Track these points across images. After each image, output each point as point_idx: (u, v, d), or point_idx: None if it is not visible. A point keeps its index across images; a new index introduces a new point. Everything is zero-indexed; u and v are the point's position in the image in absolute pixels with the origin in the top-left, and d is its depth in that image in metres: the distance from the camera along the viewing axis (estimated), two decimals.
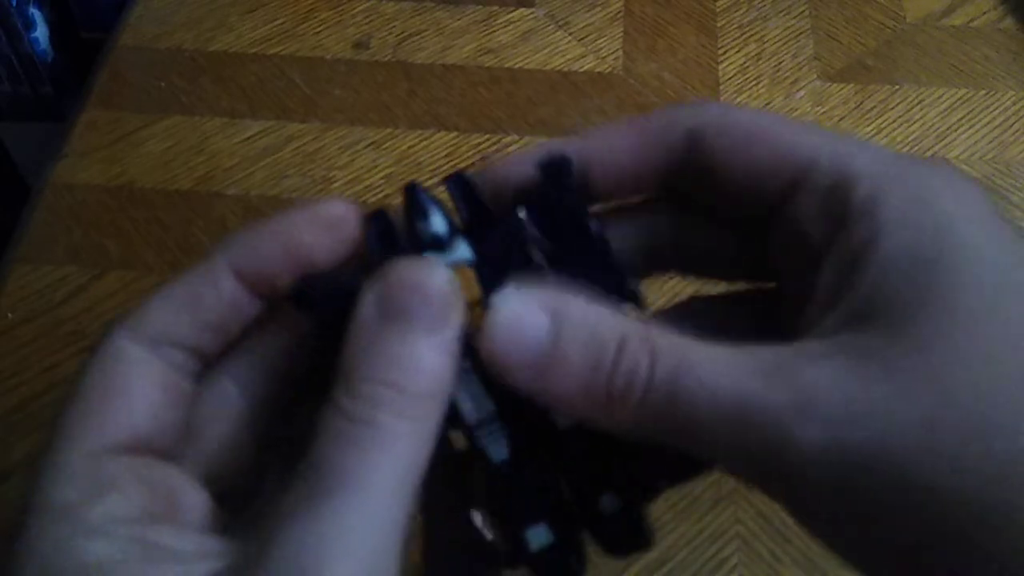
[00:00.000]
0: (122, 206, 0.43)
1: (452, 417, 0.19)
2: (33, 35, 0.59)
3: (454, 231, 0.20)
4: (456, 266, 0.19)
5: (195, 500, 0.18)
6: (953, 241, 0.16)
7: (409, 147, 0.45)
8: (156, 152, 0.45)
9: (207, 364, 0.20)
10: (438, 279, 0.18)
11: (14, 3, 0.57)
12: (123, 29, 0.50)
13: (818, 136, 0.19)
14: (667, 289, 0.35)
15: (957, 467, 0.15)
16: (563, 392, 0.18)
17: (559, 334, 0.17)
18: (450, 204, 0.20)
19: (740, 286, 0.23)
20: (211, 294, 0.19)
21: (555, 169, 0.20)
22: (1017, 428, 0.15)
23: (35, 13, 0.59)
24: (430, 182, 0.44)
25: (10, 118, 0.64)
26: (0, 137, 0.65)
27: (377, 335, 0.17)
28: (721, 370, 0.17)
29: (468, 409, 0.19)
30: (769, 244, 0.20)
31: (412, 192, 0.20)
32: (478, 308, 0.19)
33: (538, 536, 0.19)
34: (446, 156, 0.45)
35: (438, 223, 0.19)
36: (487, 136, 0.46)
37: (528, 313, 0.18)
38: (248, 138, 0.46)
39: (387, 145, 0.45)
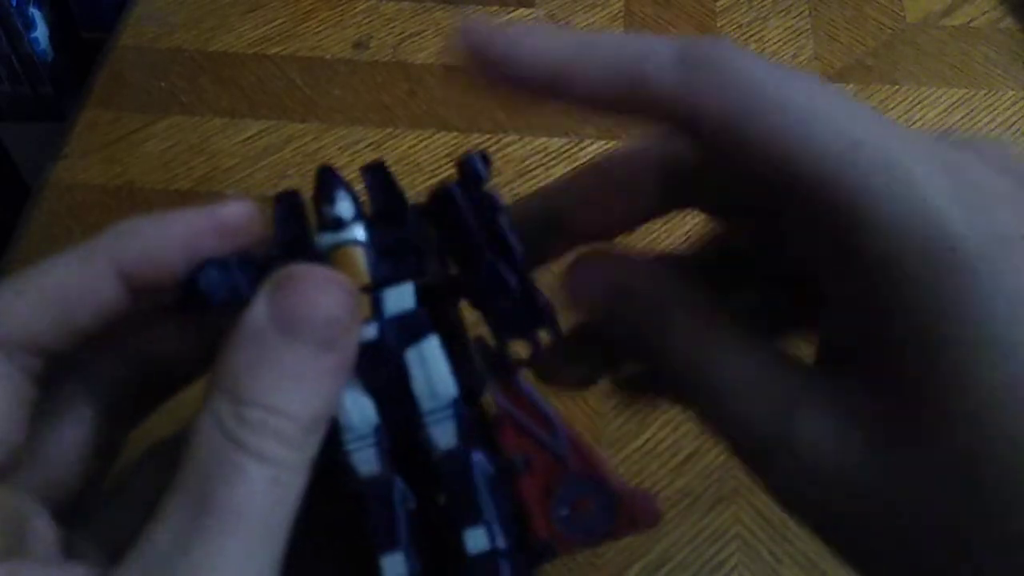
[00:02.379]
0: (122, 206, 0.43)
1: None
2: (33, 35, 0.59)
3: (358, 216, 0.18)
4: (344, 247, 0.18)
5: (42, 527, 0.17)
6: (995, 264, 0.14)
7: (409, 147, 0.45)
8: (156, 152, 0.45)
9: (55, 366, 0.18)
10: (337, 294, 0.17)
11: (14, 3, 0.57)
12: (123, 29, 0.50)
13: (860, 117, 0.16)
14: None
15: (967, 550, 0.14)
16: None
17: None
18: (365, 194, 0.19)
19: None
20: (85, 292, 0.17)
21: (469, 168, 0.19)
22: None
23: (35, 13, 0.59)
24: (429, 183, 0.44)
25: (10, 118, 0.64)
26: (0, 137, 0.65)
27: (269, 351, 0.16)
28: (733, 371, 0.17)
29: (350, 419, 0.18)
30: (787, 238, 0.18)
31: (323, 174, 0.19)
32: (365, 296, 0.18)
33: (394, 566, 0.17)
34: (446, 156, 0.45)
35: (344, 208, 0.18)
36: (487, 136, 0.46)
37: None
38: (248, 138, 0.46)
39: (387, 145, 0.45)
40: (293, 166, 0.45)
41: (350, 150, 0.45)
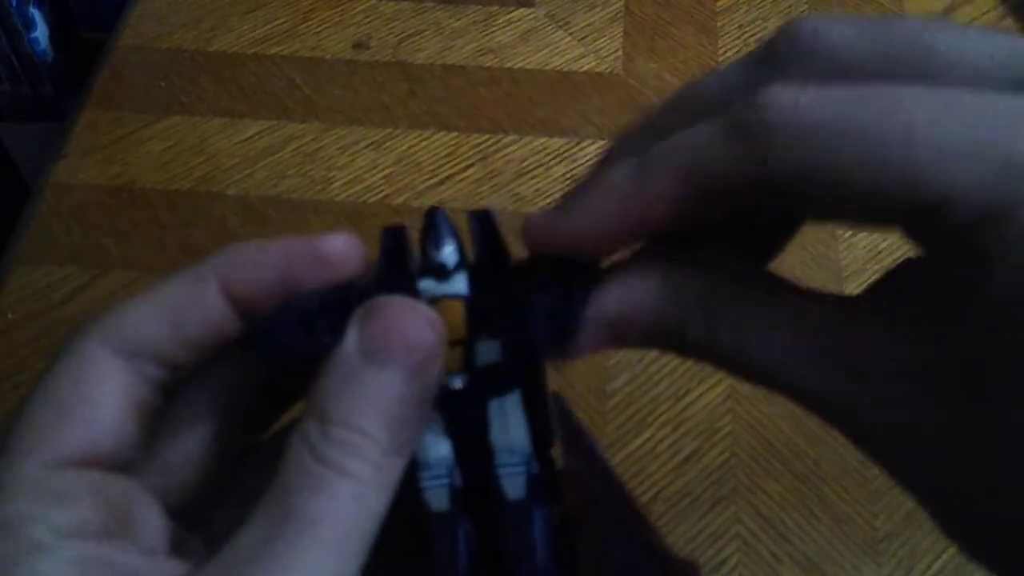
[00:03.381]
0: (122, 206, 0.43)
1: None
2: (33, 35, 0.59)
3: (461, 265, 0.19)
4: (447, 299, 0.19)
5: (151, 518, 0.18)
6: None
7: (409, 147, 0.45)
8: (156, 152, 0.45)
9: (177, 377, 0.19)
10: (425, 327, 0.17)
11: (14, 3, 0.57)
12: (123, 29, 0.50)
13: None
14: None
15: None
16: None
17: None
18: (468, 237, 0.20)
19: None
20: (196, 308, 0.18)
21: (482, 225, 0.19)
22: None
23: (35, 13, 0.59)
24: (429, 182, 0.44)
25: (10, 118, 0.64)
26: (0, 137, 0.65)
27: (357, 376, 0.17)
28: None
29: (428, 457, 0.19)
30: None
31: (432, 216, 0.19)
32: (458, 348, 0.19)
33: None
34: (446, 156, 0.45)
35: (449, 254, 0.19)
36: (487, 136, 0.46)
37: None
38: (248, 138, 0.46)
39: (387, 145, 0.46)
40: (293, 166, 0.45)
41: (350, 150, 0.45)
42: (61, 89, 0.62)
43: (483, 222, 0.20)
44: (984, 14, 0.52)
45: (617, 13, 0.51)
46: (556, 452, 0.20)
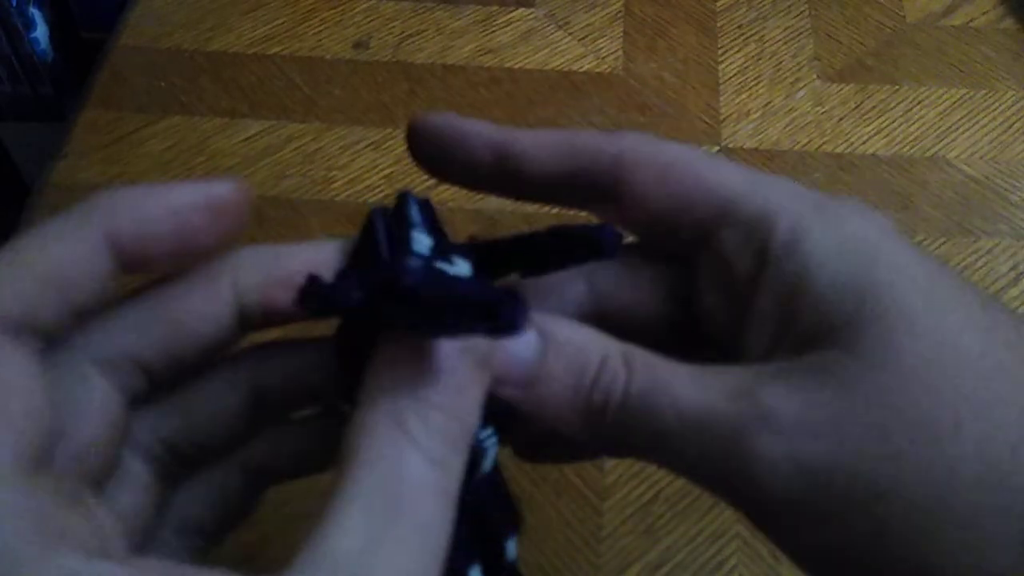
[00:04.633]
0: None
1: None
2: (33, 35, 0.59)
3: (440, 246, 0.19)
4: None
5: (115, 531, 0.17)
6: (879, 265, 0.18)
7: (408, 147, 0.45)
8: (156, 152, 0.45)
9: (46, 338, 0.16)
10: (529, 350, 0.18)
11: (14, 3, 0.57)
12: (123, 29, 0.50)
13: (736, 173, 0.20)
14: None
15: (909, 469, 0.16)
16: (549, 405, 0.19)
17: (546, 352, 0.19)
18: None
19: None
20: (79, 267, 0.16)
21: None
22: (958, 433, 0.16)
23: (35, 13, 0.59)
24: (429, 182, 0.44)
25: (10, 118, 0.64)
26: (0, 137, 0.65)
27: (457, 370, 0.17)
28: (689, 388, 0.18)
29: None
30: (696, 285, 0.21)
31: (402, 203, 0.20)
32: None
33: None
34: None
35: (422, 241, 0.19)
36: None
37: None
38: (248, 138, 0.46)
39: (387, 145, 0.45)
40: (293, 166, 0.45)
41: (350, 150, 0.45)
42: (61, 89, 0.62)
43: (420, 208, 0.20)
44: (984, 14, 0.52)
45: (617, 13, 0.51)
46: None
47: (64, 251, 0.16)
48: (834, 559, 0.17)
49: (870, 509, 0.16)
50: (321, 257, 0.19)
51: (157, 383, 0.18)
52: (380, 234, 0.19)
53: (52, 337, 0.17)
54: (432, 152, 0.21)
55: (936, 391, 0.17)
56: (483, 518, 0.19)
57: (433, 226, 0.20)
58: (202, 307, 0.18)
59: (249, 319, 0.19)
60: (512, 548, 0.20)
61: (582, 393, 0.18)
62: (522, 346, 0.19)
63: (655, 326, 0.22)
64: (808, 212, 0.19)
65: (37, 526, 0.14)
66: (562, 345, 0.19)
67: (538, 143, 0.21)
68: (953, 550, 0.16)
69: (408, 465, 0.16)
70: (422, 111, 0.21)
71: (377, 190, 0.44)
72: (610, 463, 0.36)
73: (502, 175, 0.21)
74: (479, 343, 0.17)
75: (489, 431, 0.19)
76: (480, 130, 0.21)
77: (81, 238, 0.16)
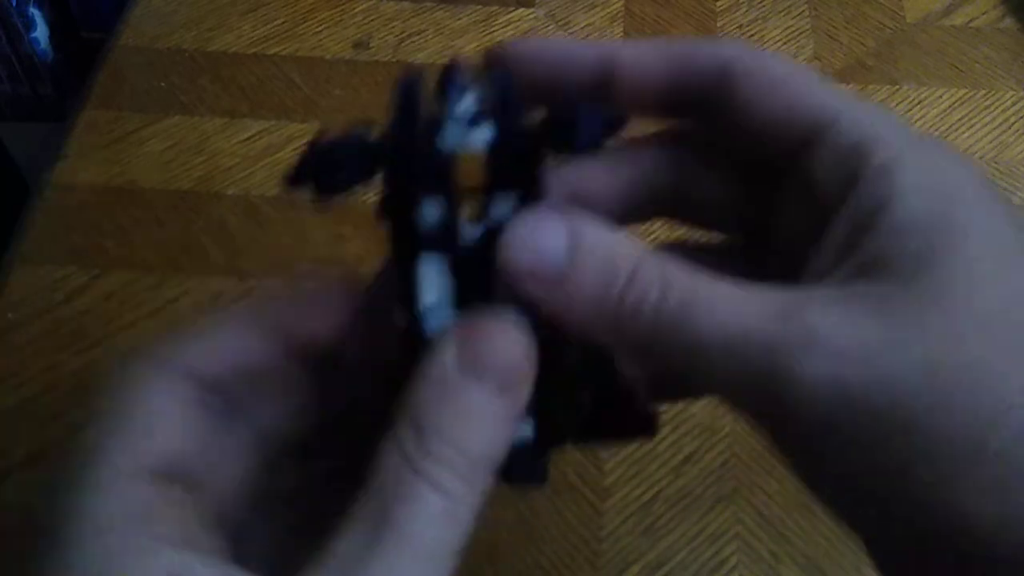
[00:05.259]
0: (122, 206, 0.43)
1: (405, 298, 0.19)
2: (33, 35, 0.59)
3: (480, 116, 0.19)
4: (470, 150, 0.19)
5: (208, 531, 0.18)
6: (962, 211, 0.18)
7: None
8: (156, 152, 0.45)
9: (230, 406, 0.20)
10: (519, 344, 0.18)
11: (14, 3, 0.57)
12: (123, 29, 0.50)
13: (842, 96, 0.20)
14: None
15: (952, 408, 0.16)
16: (575, 307, 0.18)
17: (575, 252, 0.18)
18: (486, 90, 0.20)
19: (726, 240, 0.23)
20: (247, 342, 0.20)
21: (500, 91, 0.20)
22: (1006, 383, 0.16)
23: (35, 13, 0.59)
24: None
25: (10, 118, 0.64)
26: (0, 137, 0.65)
27: (454, 391, 0.18)
28: (730, 305, 0.17)
29: (428, 294, 0.19)
30: (777, 197, 0.21)
31: (449, 70, 0.19)
32: (479, 195, 0.19)
33: (523, 430, 0.19)
34: None
35: (468, 106, 0.19)
36: None
37: (548, 229, 0.18)
38: (248, 138, 0.46)
39: None
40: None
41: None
42: (61, 89, 0.62)
43: (502, 81, 0.20)
44: (984, 14, 0.52)
45: (617, 13, 0.51)
46: None
47: (234, 324, 0.20)
48: (856, 490, 0.17)
49: (906, 439, 0.16)
50: (326, 301, 0.21)
51: (235, 399, 0.20)
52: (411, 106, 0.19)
53: (225, 393, 0.20)
54: (537, 74, 0.21)
55: (989, 338, 0.16)
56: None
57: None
58: (243, 339, 0.20)
59: (299, 354, 0.21)
60: (520, 430, 0.20)
61: (612, 297, 0.18)
62: (551, 242, 0.18)
63: (719, 228, 0.23)
64: (904, 145, 0.19)
65: (143, 527, 0.17)
66: (592, 246, 0.18)
67: (641, 52, 0.21)
68: (980, 493, 0.16)
69: (411, 491, 0.17)
70: (508, 41, 0.21)
71: (377, 190, 0.44)
72: (610, 463, 0.36)
73: (607, 89, 0.21)
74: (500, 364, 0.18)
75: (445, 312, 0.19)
76: (580, 48, 0.21)
77: (251, 319, 0.20)
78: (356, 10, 0.51)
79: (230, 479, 0.20)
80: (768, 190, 0.21)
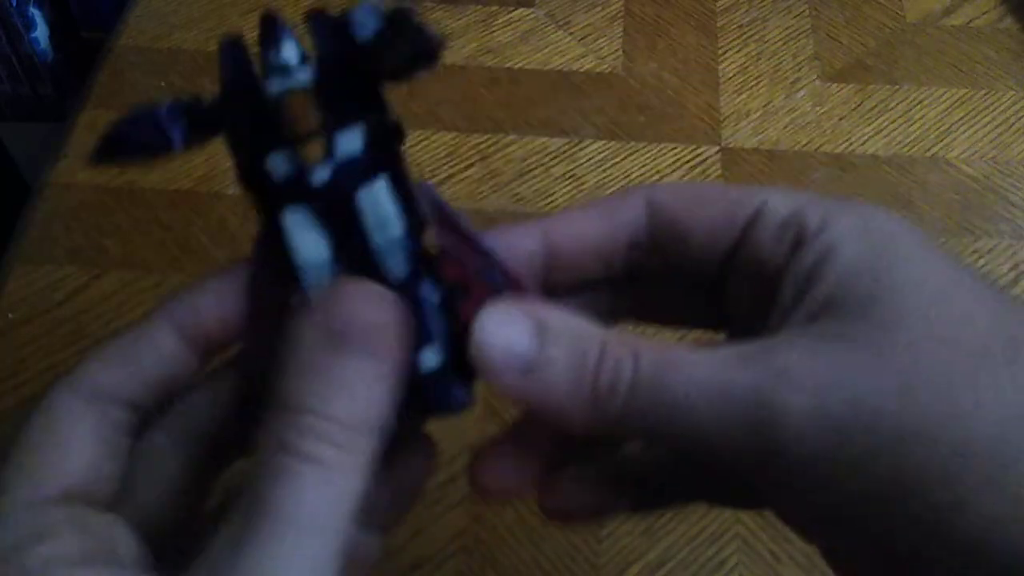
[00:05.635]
0: (122, 206, 0.43)
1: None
2: (33, 35, 0.59)
3: (303, 61, 0.19)
4: (293, 91, 0.19)
5: (130, 545, 0.18)
6: (898, 250, 0.19)
7: (409, 147, 0.45)
8: None
9: (145, 419, 0.20)
10: (383, 309, 0.18)
11: (14, 3, 0.57)
12: (123, 29, 0.50)
13: (761, 188, 0.21)
14: None
15: (931, 414, 0.17)
16: (550, 395, 0.18)
17: (544, 339, 0.19)
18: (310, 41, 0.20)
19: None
20: (150, 351, 0.20)
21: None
22: (976, 382, 0.17)
23: (35, 13, 0.59)
24: (431, 180, 0.44)
25: (10, 118, 0.64)
26: (0, 137, 0.65)
27: (317, 363, 0.17)
28: (703, 361, 0.18)
29: (303, 257, 0.19)
30: (726, 289, 0.21)
31: (266, 21, 0.19)
32: (317, 140, 0.19)
33: (429, 359, 0.19)
34: (446, 156, 0.45)
35: (290, 53, 0.19)
36: (487, 136, 0.46)
37: (513, 322, 0.19)
38: None
39: None
40: None
41: None
42: (61, 89, 0.62)
43: (320, 21, 0.20)
44: (984, 14, 0.52)
45: (617, 13, 0.51)
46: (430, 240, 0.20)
47: (137, 340, 0.20)
48: (853, 517, 0.17)
49: (894, 452, 0.17)
50: (229, 286, 0.20)
51: (149, 412, 0.20)
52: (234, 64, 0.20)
53: (137, 407, 0.20)
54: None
55: (952, 346, 0.17)
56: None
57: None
58: (147, 352, 0.20)
59: (205, 350, 0.20)
60: (428, 359, 0.20)
61: (587, 376, 0.18)
62: (517, 335, 0.19)
63: (678, 326, 0.24)
64: (835, 206, 0.20)
65: (36, 549, 0.17)
66: (560, 331, 0.19)
67: (571, 222, 0.22)
68: (975, 495, 0.16)
69: (281, 469, 0.16)
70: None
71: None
72: None
73: (551, 266, 0.22)
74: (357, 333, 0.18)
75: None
76: (515, 235, 0.22)
77: (148, 328, 0.20)
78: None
79: (153, 490, 0.20)
80: (716, 284, 0.22)
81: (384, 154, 0.20)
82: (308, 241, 0.19)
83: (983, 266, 0.42)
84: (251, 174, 0.19)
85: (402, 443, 0.20)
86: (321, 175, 0.19)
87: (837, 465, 0.17)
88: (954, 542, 0.16)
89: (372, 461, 0.17)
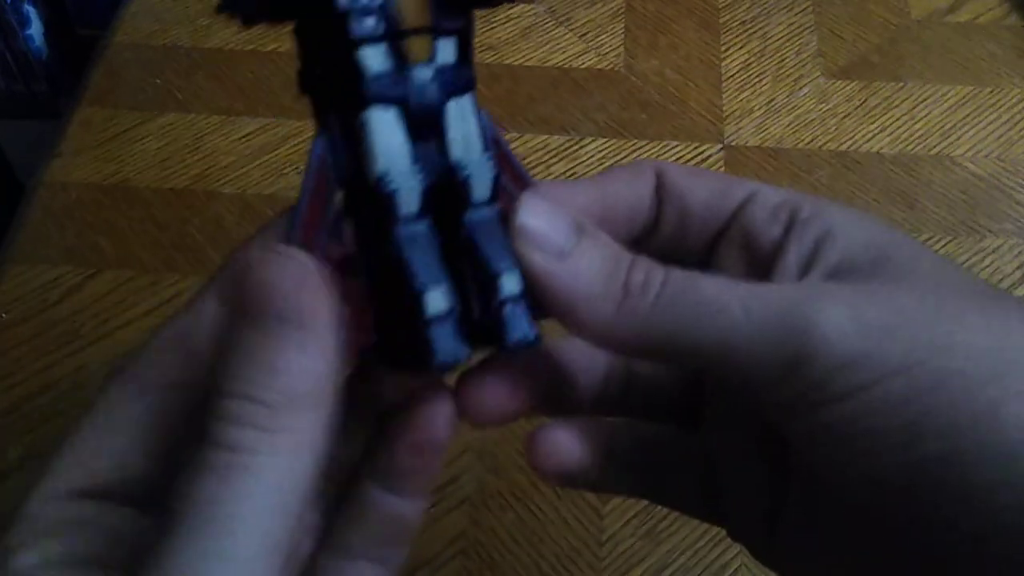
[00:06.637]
0: (117, 205, 0.43)
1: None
2: (28, 32, 0.58)
3: None
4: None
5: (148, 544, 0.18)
6: (894, 236, 0.19)
7: None
8: (151, 150, 0.45)
9: (197, 404, 0.19)
10: (294, 271, 0.16)
11: (9, 0, 0.56)
12: (118, 26, 0.50)
13: (753, 182, 0.22)
14: None
15: (963, 330, 0.17)
16: (581, 284, 0.18)
17: (582, 234, 0.19)
18: None
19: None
20: (201, 329, 0.18)
21: None
22: (996, 317, 0.17)
23: (30, 10, 0.58)
24: None
25: (4, 116, 0.63)
26: None
27: (232, 345, 0.16)
28: (735, 280, 0.18)
29: (392, 156, 0.18)
30: (716, 260, 0.21)
31: None
32: (424, 36, 0.18)
33: (436, 300, 0.17)
34: None
35: None
36: None
37: (554, 213, 0.19)
38: (244, 136, 0.45)
39: None
40: (290, 164, 0.44)
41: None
42: (56, 86, 0.62)
43: None
44: (989, 11, 0.51)
45: (618, 9, 0.51)
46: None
47: (185, 317, 0.19)
48: (883, 427, 0.17)
49: (933, 358, 0.16)
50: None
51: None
52: None
53: (190, 391, 0.18)
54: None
55: (968, 296, 0.18)
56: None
57: None
58: (195, 329, 0.19)
59: None
60: (435, 300, 0.18)
61: (621, 271, 0.18)
62: (556, 223, 0.18)
63: None
64: (823, 200, 0.20)
65: (38, 550, 0.16)
66: (596, 234, 0.19)
67: (579, 191, 0.22)
68: (1014, 396, 0.16)
69: (194, 458, 0.15)
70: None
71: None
72: None
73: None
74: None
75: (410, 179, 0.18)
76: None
77: (198, 306, 0.19)
78: None
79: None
80: (703, 262, 0.22)
81: (470, 71, 0.19)
82: (394, 144, 0.18)
83: (989, 265, 0.41)
84: (329, 68, 0.18)
85: (416, 396, 0.19)
86: (423, 74, 0.18)
87: (873, 367, 0.16)
88: (989, 447, 0.16)
89: (316, 437, 0.16)
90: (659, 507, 0.34)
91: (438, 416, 0.20)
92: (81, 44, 0.60)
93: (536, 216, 0.18)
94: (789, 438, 0.18)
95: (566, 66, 0.48)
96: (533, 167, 0.44)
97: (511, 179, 0.20)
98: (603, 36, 0.50)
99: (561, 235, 0.18)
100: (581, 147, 0.45)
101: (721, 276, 0.18)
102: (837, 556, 0.19)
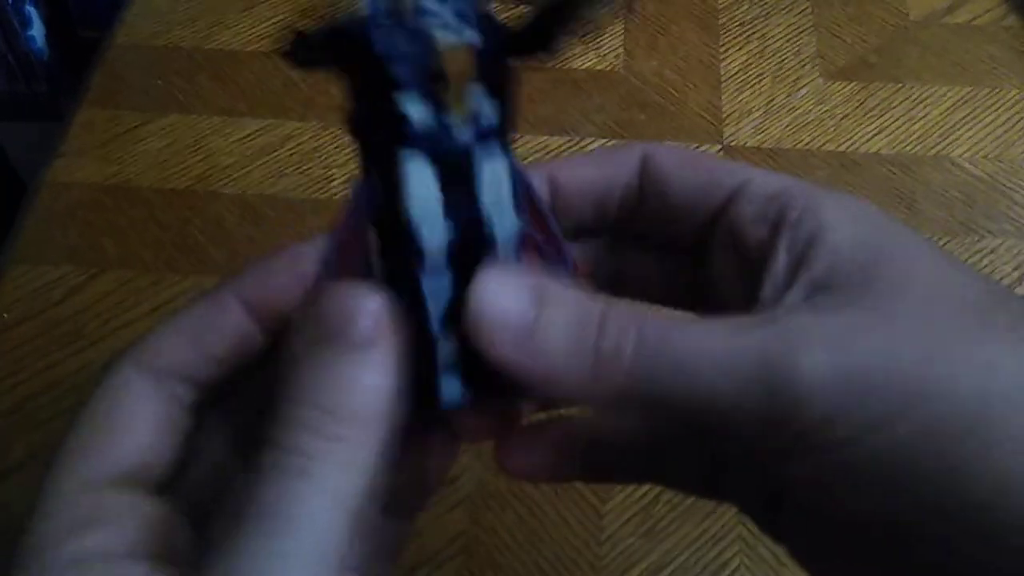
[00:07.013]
0: (119, 205, 0.43)
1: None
2: (29, 33, 0.59)
3: (470, 12, 0.19)
4: (459, 46, 0.19)
5: (180, 535, 0.18)
6: (889, 229, 0.19)
7: None
8: (153, 151, 0.45)
9: (205, 396, 0.20)
10: (367, 303, 0.17)
11: (10, 1, 0.56)
12: (120, 27, 0.50)
13: (749, 167, 0.22)
14: None
15: (947, 364, 0.17)
16: (548, 362, 0.18)
17: (543, 304, 0.18)
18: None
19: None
20: (218, 326, 0.19)
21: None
22: (986, 330, 0.17)
23: (31, 11, 0.59)
24: None
25: (6, 117, 0.63)
26: None
27: (305, 361, 0.17)
28: (709, 326, 0.17)
29: (419, 198, 0.18)
30: (706, 260, 0.21)
31: None
32: (464, 90, 0.18)
33: (451, 388, 0.18)
34: None
35: (460, 4, 0.19)
36: None
37: (511, 285, 0.18)
38: (246, 137, 0.45)
39: None
40: (291, 165, 0.44)
41: (348, 148, 0.45)
42: (57, 87, 0.62)
43: None
44: (987, 12, 0.51)
45: (618, 10, 0.51)
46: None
47: (202, 314, 0.20)
48: (869, 479, 0.17)
49: (918, 406, 0.16)
50: (301, 259, 0.20)
51: (209, 391, 0.20)
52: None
53: (201, 384, 0.20)
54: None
55: (961, 306, 0.17)
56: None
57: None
58: (213, 326, 0.20)
59: (269, 323, 0.20)
60: (451, 388, 0.19)
61: (589, 341, 0.17)
62: (515, 299, 0.18)
63: (658, 301, 0.24)
64: (817, 189, 0.20)
65: (78, 541, 0.17)
66: (560, 297, 0.18)
67: (573, 166, 0.22)
68: (998, 439, 0.16)
69: (271, 466, 0.16)
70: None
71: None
72: None
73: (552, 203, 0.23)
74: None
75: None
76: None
77: (217, 302, 0.20)
78: (355, 7, 0.51)
79: (208, 472, 0.20)
80: (696, 255, 0.22)
81: (509, 135, 0.19)
82: (425, 191, 0.18)
83: (987, 266, 0.41)
84: (375, 110, 0.19)
85: (420, 426, 0.19)
86: (464, 134, 0.18)
87: (855, 424, 0.16)
88: (977, 492, 0.16)
89: (379, 452, 0.17)
90: (659, 507, 0.34)
91: (443, 448, 0.21)
92: (83, 45, 0.60)
93: (491, 299, 0.18)
94: (777, 476, 0.18)
95: (566, 67, 0.48)
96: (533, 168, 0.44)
97: (540, 232, 0.20)
98: (603, 37, 0.50)
99: (521, 310, 0.18)
100: (581, 148, 0.45)
101: (698, 325, 0.18)
102: (840, 547, 0.19)
